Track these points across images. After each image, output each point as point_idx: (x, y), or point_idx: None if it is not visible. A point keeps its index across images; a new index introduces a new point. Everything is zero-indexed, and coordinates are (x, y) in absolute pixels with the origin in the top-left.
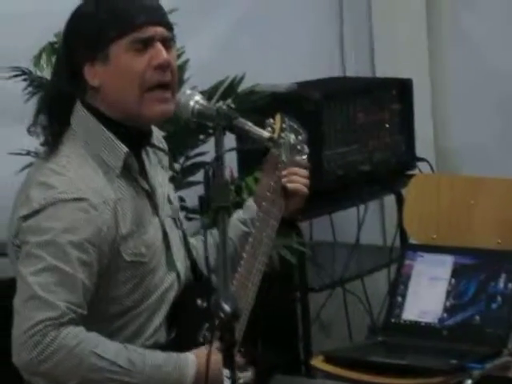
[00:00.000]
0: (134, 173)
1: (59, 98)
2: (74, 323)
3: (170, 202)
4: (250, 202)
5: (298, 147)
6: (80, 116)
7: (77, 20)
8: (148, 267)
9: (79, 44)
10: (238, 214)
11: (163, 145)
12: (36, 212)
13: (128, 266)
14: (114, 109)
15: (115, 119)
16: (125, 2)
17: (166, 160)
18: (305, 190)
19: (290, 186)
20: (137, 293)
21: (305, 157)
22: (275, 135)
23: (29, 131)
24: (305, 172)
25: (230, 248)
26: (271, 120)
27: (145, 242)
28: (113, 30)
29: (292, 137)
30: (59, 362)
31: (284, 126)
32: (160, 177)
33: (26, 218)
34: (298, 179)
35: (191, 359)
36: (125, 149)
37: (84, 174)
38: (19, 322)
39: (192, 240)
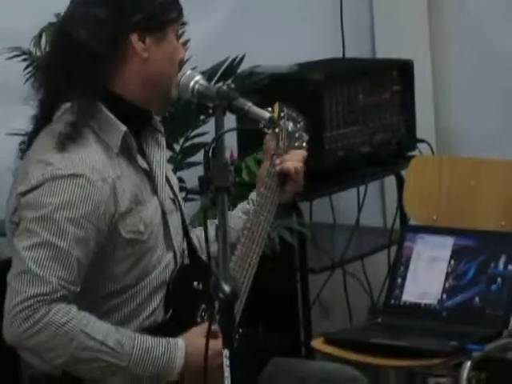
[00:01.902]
0: (132, 152)
1: (94, 60)
2: (65, 300)
3: (168, 182)
4: (254, 195)
5: (296, 135)
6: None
7: None
8: (146, 245)
9: (135, 10)
10: (243, 206)
11: (160, 127)
12: (34, 188)
13: (126, 244)
14: (144, 86)
15: (129, 97)
16: None
17: (163, 141)
18: (293, 170)
19: (280, 166)
20: (135, 271)
21: (304, 144)
22: (275, 115)
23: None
24: (298, 155)
25: (232, 237)
26: (269, 108)
27: (143, 219)
28: (173, 11)
29: (290, 125)
30: (47, 339)
31: (282, 114)
32: (159, 157)
33: (24, 194)
34: (289, 159)
35: (181, 344)
36: (123, 127)
37: (83, 151)
38: (11, 295)
39: (197, 231)
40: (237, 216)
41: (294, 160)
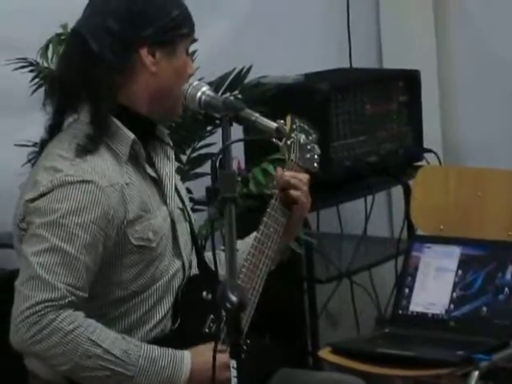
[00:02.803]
0: (141, 160)
1: (104, 71)
2: (73, 306)
3: (178, 193)
4: None
5: (308, 147)
6: None
7: (144, 2)
8: (154, 253)
9: (147, 24)
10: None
11: (168, 140)
12: (43, 195)
13: (135, 251)
14: (150, 98)
15: (135, 108)
16: (185, 6)
17: (172, 154)
18: (301, 199)
19: (291, 193)
20: (142, 278)
21: (316, 157)
22: (281, 125)
23: (43, 105)
24: (302, 181)
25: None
26: (282, 121)
27: (152, 227)
28: (184, 27)
29: (302, 137)
30: (53, 345)
31: (294, 126)
32: (168, 169)
33: (32, 200)
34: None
35: (187, 356)
36: (132, 135)
37: (91, 158)
38: (18, 300)
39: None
40: (249, 242)
41: (298, 188)
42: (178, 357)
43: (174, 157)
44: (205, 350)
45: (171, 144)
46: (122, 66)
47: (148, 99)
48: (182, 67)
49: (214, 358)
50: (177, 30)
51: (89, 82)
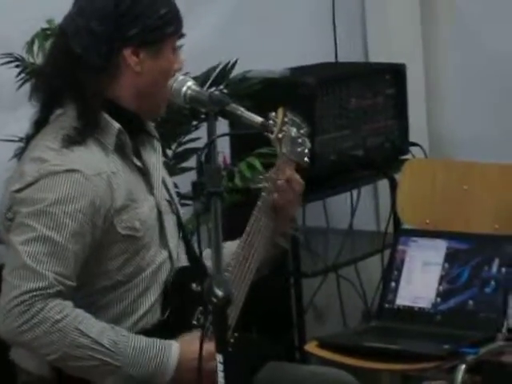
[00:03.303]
0: (127, 150)
1: (88, 71)
2: (62, 296)
3: (165, 185)
4: None
5: (299, 141)
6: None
7: (132, 1)
8: (141, 242)
9: (132, 25)
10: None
11: (155, 133)
12: (29, 184)
13: (121, 240)
14: (136, 96)
15: (122, 103)
16: (173, 3)
17: (159, 147)
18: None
19: (278, 199)
20: (128, 268)
21: (306, 150)
22: (279, 120)
23: (30, 99)
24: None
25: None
26: (273, 113)
27: (139, 216)
28: (170, 26)
29: (294, 130)
30: (42, 334)
31: (286, 119)
32: (155, 161)
33: (19, 190)
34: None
35: (175, 347)
36: (117, 125)
37: (77, 148)
38: (6, 290)
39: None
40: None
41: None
42: (165, 347)
43: (160, 149)
44: (192, 339)
45: (158, 137)
46: (105, 67)
47: (134, 97)
48: (167, 66)
49: (201, 347)
50: (163, 29)
51: (74, 83)
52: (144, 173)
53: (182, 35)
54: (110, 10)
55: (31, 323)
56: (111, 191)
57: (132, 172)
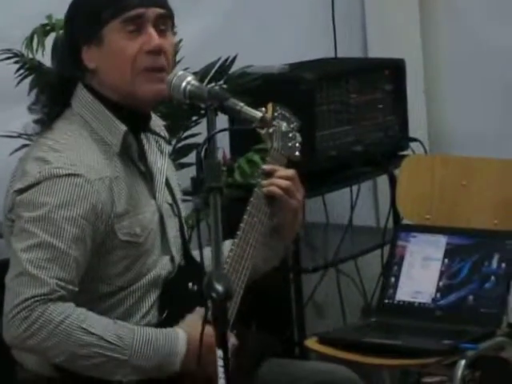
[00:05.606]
0: (132, 153)
1: (60, 81)
2: (63, 300)
3: (169, 188)
4: None
5: (290, 135)
6: (81, 97)
7: (77, 3)
8: (142, 248)
9: (78, 27)
10: None
11: (164, 133)
12: (31, 186)
13: (122, 246)
14: (111, 90)
15: (114, 100)
16: None
17: (166, 148)
18: (279, 192)
19: (267, 190)
20: (129, 274)
21: (298, 145)
22: (269, 115)
23: (30, 109)
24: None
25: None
26: (263, 109)
27: (140, 222)
28: (106, 11)
29: (284, 124)
30: (46, 338)
31: (276, 114)
32: (160, 163)
33: (20, 191)
34: (276, 182)
35: (182, 334)
36: (124, 127)
37: (81, 151)
38: (9, 297)
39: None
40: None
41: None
42: (172, 335)
43: (167, 151)
44: (193, 322)
45: (167, 138)
46: (76, 74)
47: (115, 92)
48: (116, 51)
49: (203, 328)
50: (98, 16)
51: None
52: (147, 177)
53: (139, 15)
54: (67, 19)
55: (34, 328)
56: (113, 196)
57: (134, 176)
